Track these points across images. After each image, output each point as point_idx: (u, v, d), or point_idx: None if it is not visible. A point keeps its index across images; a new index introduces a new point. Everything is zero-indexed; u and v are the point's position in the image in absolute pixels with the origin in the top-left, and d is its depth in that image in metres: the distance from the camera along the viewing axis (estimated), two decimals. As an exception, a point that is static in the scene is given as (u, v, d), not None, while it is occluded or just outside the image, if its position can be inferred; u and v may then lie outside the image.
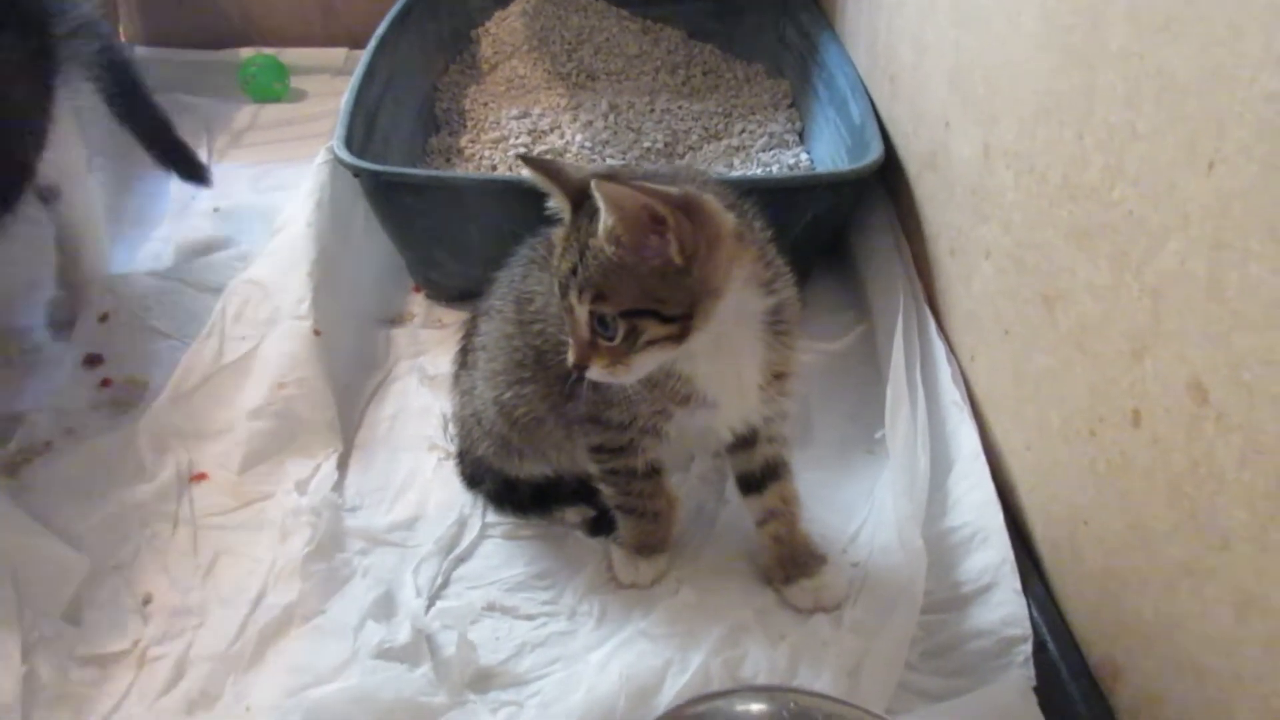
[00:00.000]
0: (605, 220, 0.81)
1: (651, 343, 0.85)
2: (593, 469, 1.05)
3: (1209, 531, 0.72)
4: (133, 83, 1.45)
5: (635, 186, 0.80)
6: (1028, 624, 0.95)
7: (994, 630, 0.96)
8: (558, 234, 0.90)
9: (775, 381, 0.97)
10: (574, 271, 0.85)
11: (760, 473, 1.04)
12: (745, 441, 1.03)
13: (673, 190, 0.82)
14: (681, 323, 0.85)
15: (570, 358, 0.88)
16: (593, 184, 0.80)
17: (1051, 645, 0.95)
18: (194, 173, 1.55)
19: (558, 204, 0.90)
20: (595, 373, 0.87)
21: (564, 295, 0.87)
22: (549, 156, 0.92)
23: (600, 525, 1.12)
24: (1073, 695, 0.90)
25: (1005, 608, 0.97)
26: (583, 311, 0.85)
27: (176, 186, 1.83)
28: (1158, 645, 0.81)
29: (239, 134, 2.03)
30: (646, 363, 0.87)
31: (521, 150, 1.71)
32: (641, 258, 0.82)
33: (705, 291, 0.85)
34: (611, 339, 0.85)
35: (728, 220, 0.86)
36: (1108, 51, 0.83)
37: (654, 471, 1.03)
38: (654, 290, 0.83)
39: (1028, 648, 0.94)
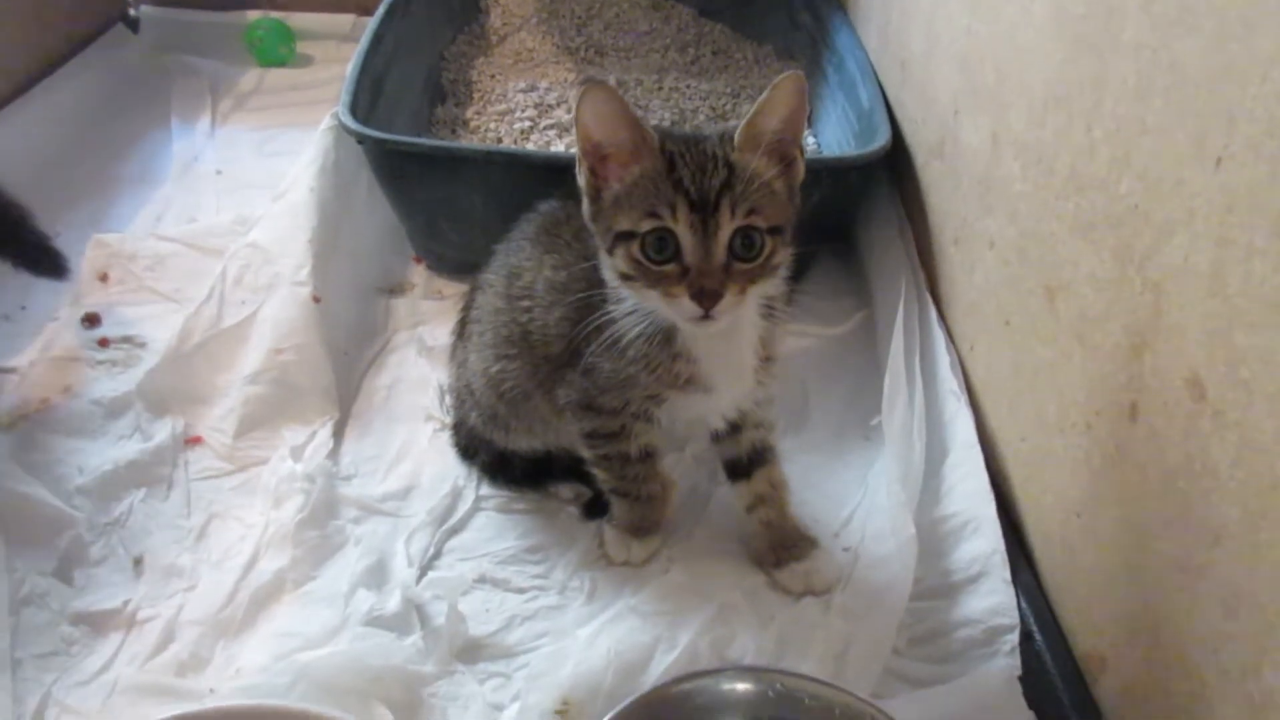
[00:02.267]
0: (766, 125, 0.84)
1: (775, 269, 0.87)
2: (587, 454, 1.05)
3: (1201, 528, 0.72)
4: None
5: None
6: (1015, 613, 0.96)
7: (982, 619, 0.97)
8: (649, 169, 0.85)
9: (763, 365, 0.97)
10: (728, 185, 0.83)
11: (747, 458, 1.04)
12: (731, 428, 1.03)
13: None
14: (785, 251, 0.88)
15: (695, 288, 0.83)
16: (783, 76, 0.83)
17: (1038, 635, 0.95)
18: (49, 267, 1.30)
19: (631, 137, 0.85)
20: (725, 304, 0.83)
21: (712, 212, 0.82)
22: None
23: (595, 508, 1.12)
24: (1057, 685, 0.91)
25: (994, 597, 0.98)
26: (728, 230, 0.83)
27: (180, 147, 1.83)
28: (1145, 639, 0.81)
29: (244, 97, 2.02)
30: (754, 299, 0.89)
31: (527, 124, 1.71)
32: (773, 175, 0.86)
33: (793, 217, 0.88)
34: (752, 259, 0.84)
35: None
36: (1120, 42, 0.83)
37: (648, 455, 1.03)
38: (784, 209, 0.87)
39: (1014, 637, 0.94)
